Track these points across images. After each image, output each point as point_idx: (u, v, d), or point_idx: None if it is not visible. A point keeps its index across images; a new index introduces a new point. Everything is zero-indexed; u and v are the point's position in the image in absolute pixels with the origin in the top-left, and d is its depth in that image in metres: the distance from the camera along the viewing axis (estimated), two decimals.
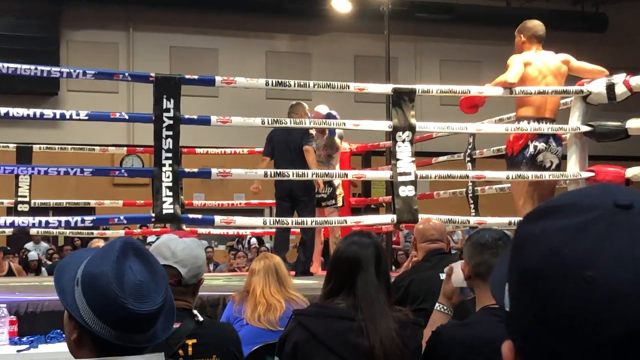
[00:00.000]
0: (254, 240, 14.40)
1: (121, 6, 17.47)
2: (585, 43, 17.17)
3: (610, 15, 19.65)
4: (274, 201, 8.09)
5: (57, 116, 5.67)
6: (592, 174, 6.36)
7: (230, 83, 5.85)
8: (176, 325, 2.67)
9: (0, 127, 14.01)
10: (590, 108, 6.51)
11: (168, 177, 5.52)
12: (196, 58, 17.67)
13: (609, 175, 6.40)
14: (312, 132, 7.91)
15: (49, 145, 9.30)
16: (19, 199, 8.71)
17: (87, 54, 16.94)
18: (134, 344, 1.63)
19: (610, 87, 6.31)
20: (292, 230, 8.16)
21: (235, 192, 14.57)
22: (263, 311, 4.08)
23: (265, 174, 6.21)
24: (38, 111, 5.57)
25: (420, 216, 5.76)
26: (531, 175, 6.21)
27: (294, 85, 5.96)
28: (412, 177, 5.97)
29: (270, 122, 6.13)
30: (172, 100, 5.54)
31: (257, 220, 6.60)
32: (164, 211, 5.50)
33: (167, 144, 5.53)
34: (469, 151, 8.46)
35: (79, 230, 9.25)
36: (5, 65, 5.30)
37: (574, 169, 6.36)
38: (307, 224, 6.96)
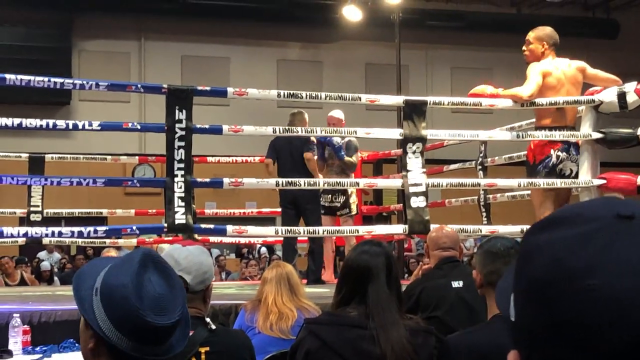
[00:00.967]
0: (264, 250, 14.42)
1: (133, 16, 17.55)
2: (595, 49, 17.16)
3: (621, 22, 19.62)
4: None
5: (70, 126, 5.71)
6: (604, 181, 6.35)
7: (242, 94, 5.86)
8: (189, 334, 2.68)
9: (13, 137, 14.06)
10: (601, 117, 6.50)
11: (180, 187, 5.54)
12: (208, 67, 17.73)
13: (621, 182, 6.39)
14: (313, 139, 7.93)
15: (61, 155, 9.35)
16: (32, 208, 8.74)
17: (99, 64, 17.02)
18: (151, 355, 1.64)
19: (622, 96, 6.29)
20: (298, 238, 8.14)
21: (247, 201, 14.61)
22: (275, 320, 4.09)
23: (277, 184, 6.22)
24: (51, 122, 5.60)
25: (432, 225, 5.76)
26: (543, 182, 6.21)
27: (306, 97, 5.97)
28: (423, 188, 5.97)
29: (281, 131, 6.14)
30: (184, 111, 5.56)
31: (268, 230, 6.61)
32: (176, 221, 5.52)
33: (179, 154, 5.55)
34: (480, 159, 8.45)
35: (92, 240, 9.28)
36: (19, 77, 5.34)
37: (586, 177, 6.35)
38: (319, 233, 6.96)
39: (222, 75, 17.21)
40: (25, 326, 4.37)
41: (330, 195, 8.27)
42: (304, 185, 6.17)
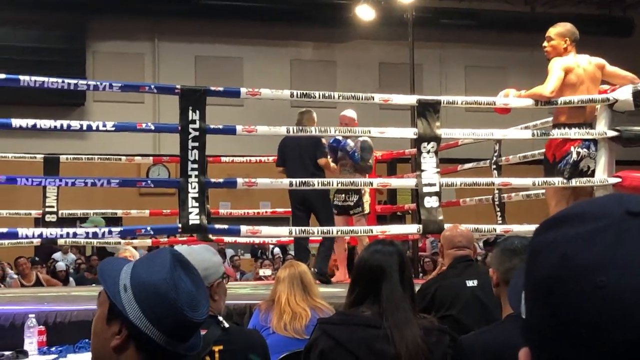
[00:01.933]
0: (277, 251, 14.43)
1: (146, 17, 17.59)
2: (609, 47, 17.05)
3: (637, 19, 19.52)
4: None
5: (84, 127, 5.72)
6: (620, 179, 6.32)
7: (255, 95, 5.87)
8: (202, 332, 2.69)
9: (28, 138, 14.10)
10: (616, 115, 6.47)
11: (194, 188, 5.55)
12: (221, 67, 17.75)
13: (636, 180, 6.36)
14: (324, 141, 7.89)
15: (76, 156, 9.38)
16: (47, 209, 8.77)
17: (113, 65, 17.07)
18: (178, 351, 1.67)
19: (637, 94, 6.26)
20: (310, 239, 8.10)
21: (261, 200, 14.61)
22: (289, 319, 4.09)
23: (291, 184, 6.22)
24: (65, 122, 5.62)
25: (446, 225, 5.75)
26: (558, 181, 6.19)
27: (319, 97, 5.97)
28: (436, 188, 5.96)
29: (295, 131, 6.14)
30: (197, 112, 5.57)
31: (282, 230, 6.61)
32: (191, 222, 5.53)
33: (193, 155, 5.56)
34: (494, 158, 8.43)
35: (107, 241, 9.32)
36: (33, 78, 5.36)
37: (602, 175, 6.32)
38: (333, 233, 6.95)
39: (235, 76, 17.23)
40: (41, 326, 4.39)
41: (343, 195, 8.25)
42: (318, 185, 6.16)
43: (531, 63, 15.87)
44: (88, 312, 4.67)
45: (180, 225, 5.58)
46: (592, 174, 6.31)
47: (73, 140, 15.01)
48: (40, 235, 5.96)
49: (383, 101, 6.23)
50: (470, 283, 4.25)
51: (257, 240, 10.36)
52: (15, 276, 11.45)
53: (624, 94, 6.32)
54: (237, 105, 14.93)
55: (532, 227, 6.15)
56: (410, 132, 6.25)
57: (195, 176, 5.55)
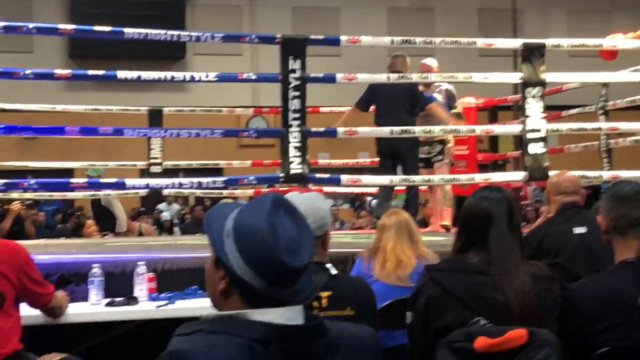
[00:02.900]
0: (375, 202, 14.39)
1: None
2: None
3: None
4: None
5: (187, 78, 5.79)
6: None
7: (355, 42, 5.83)
8: None
9: (131, 91, 14.39)
10: None
11: (295, 137, 5.58)
12: (318, 17, 17.69)
13: None
14: (420, 87, 7.56)
15: (178, 108, 9.53)
16: (152, 160, 8.97)
17: (212, 17, 17.21)
18: (281, 297, 1.65)
19: None
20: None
21: (359, 151, 14.59)
22: (392, 267, 4.07)
23: (392, 132, 6.16)
24: (169, 74, 5.71)
25: (552, 172, 5.63)
26: None
27: (419, 43, 5.88)
28: (542, 134, 5.84)
29: (396, 78, 6.07)
30: (298, 61, 5.57)
31: (384, 179, 6.57)
32: (292, 171, 5.56)
33: (294, 104, 5.58)
34: (601, 103, 8.18)
35: (210, 191, 9.48)
36: (137, 30, 5.44)
37: None
38: (434, 181, 6.88)
39: (332, 26, 17.13)
40: (150, 274, 4.47)
41: (427, 147, 7.99)
42: (419, 132, 6.10)
43: (637, 6, 15.33)
44: (195, 260, 4.75)
45: (282, 175, 5.62)
46: None
47: (174, 94, 15.25)
48: (146, 186, 6.10)
49: (486, 45, 6.11)
50: (578, 230, 4.15)
51: (356, 190, 10.36)
52: None
53: None
54: (334, 56, 14.87)
55: None
56: (515, 77, 6.12)
57: (297, 125, 5.57)
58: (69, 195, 9.58)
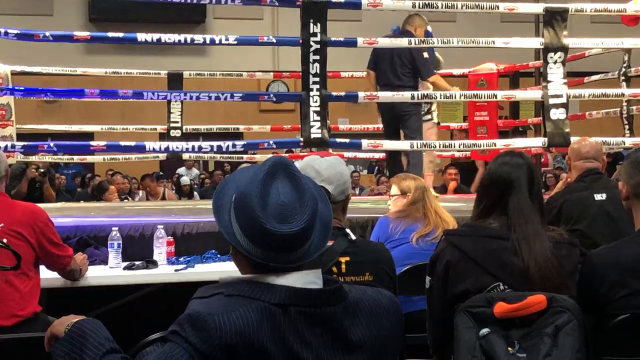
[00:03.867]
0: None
1: None
2: None
3: None
4: None
5: (207, 41, 5.77)
6: None
7: (377, 6, 5.78)
8: (329, 244, 2.70)
9: (151, 55, 14.39)
10: None
11: (316, 101, 5.56)
12: None
13: None
14: (425, 54, 6.91)
15: (198, 72, 9.51)
16: (172, 124, 8.97)
17: None
18: (282, 262, 1.64)
19: None
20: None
21: (379, 117, 14.55)
22: (422, 230, 4.05)
23: (412, 96, 6.13)
24: (189, 37, 5.68)
25: (573, 138, 5.59)
26: None
27: (441, 7, 5.83)
28: (563, 100, 5.80)
29: (417, 42, 6.03)
30: (318, 25, 5.54)
31: (404, 144, 6.54)
32: (312, 135, 5.55)
33: (315, 68, 5.56)
34: (623, 69, 8.09)
35: (230, 155, 9.48)
36: None
37: None
38: (455, 147, 6.85)
39: None
40: (169, 237, 4.49)
41: None
42: (440, 98, 6.06)
43: None
44: (214, 224, 4.73)
45: (302, 139, 5.61)
46: None
47: (194, 58, 15.22)
48: (167, 149, 6.11)
49: (508, 10, 6.04)
50: (598, 197, 4.12)
51: (376, 156, 10.33)
52: (141, 192, 11.75)
53: None
54: (355, 21, 14.77)
55: None
56: (536, 42, 6.06)
57: (317, 90, 5.55)
58: (89, 158, 9.63)
